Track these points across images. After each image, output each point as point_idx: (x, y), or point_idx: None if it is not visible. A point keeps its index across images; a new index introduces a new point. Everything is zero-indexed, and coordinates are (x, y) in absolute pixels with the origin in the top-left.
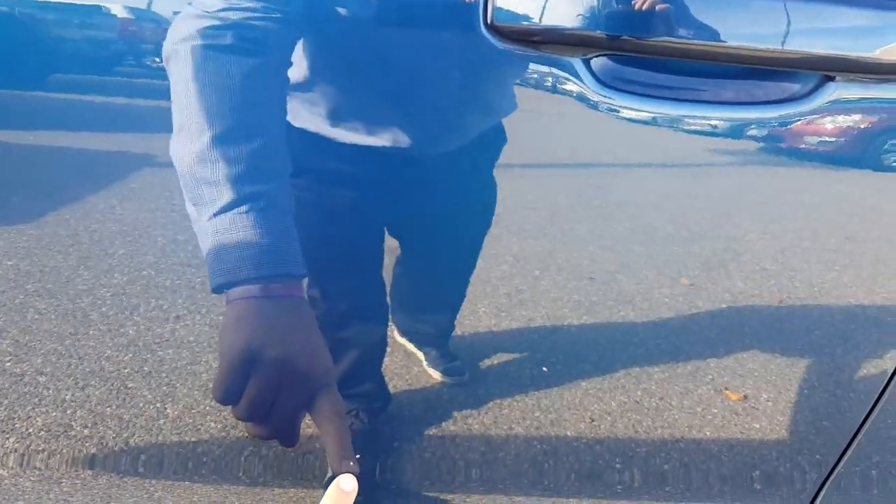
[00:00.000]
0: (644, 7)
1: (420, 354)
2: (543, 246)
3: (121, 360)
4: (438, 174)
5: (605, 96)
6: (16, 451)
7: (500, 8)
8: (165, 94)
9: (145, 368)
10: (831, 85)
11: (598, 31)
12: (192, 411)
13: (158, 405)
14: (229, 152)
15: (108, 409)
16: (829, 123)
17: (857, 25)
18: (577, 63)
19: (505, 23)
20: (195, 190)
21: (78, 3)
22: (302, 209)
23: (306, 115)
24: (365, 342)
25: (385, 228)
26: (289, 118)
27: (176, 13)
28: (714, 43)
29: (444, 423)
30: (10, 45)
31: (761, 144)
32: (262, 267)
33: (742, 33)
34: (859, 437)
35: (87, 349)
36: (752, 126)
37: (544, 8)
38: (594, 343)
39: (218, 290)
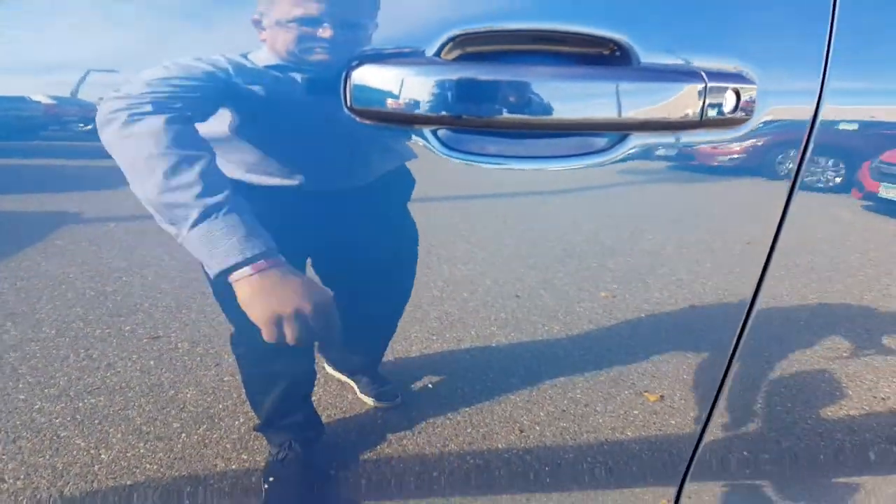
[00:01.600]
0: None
1: (352, 383)
2: (472, 270)
3: (52, 411)
4: (350, 208)
5: (449, 157)
6: None
7: (359, 87)
8: (88, 156)
9: (77, 417)
10: (631, 138)
11: (442, 112)
12: (128, 455)
13: (93, 451)
14: (182, 179)
15: (41, 459)
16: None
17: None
18: (427, 133)
19: (363, 106)
20: (168, 214)
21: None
22: None
23: (226, 165)
24: (292, 375)
25: (308, 264)
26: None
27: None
28: (528, 116)
29: (379, 447)
30: None
31: (660, 165)
32: (247, 251)
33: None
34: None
35: (18, 402)
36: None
37: (400, 88)
38: (522, 358)
39: (219, 275)
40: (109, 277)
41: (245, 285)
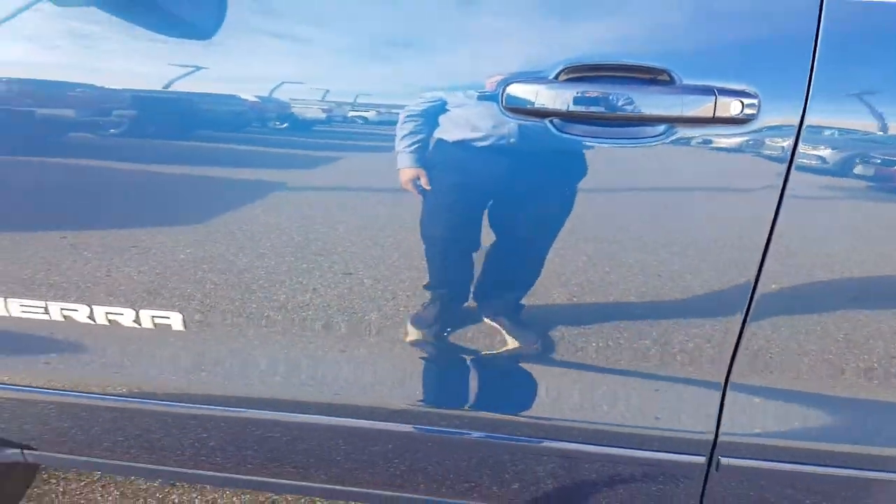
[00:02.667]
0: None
1: (499, 327)
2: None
3: (275, 319)
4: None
5: (560, 136)
6: None
7: (510, 96)
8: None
9: (293, 323)
10: (676, 129)
11: (557, 108)
12: (326, 347)
13: (298, 348)
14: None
15: (264, 350)
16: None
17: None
18: (547, 122)
19: (512, 106)
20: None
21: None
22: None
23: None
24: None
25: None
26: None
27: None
28: (609, 112)
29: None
30: None
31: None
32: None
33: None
34: None
35: (251, 309)
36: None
37: (535, 96)
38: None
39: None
40: (300, 231)
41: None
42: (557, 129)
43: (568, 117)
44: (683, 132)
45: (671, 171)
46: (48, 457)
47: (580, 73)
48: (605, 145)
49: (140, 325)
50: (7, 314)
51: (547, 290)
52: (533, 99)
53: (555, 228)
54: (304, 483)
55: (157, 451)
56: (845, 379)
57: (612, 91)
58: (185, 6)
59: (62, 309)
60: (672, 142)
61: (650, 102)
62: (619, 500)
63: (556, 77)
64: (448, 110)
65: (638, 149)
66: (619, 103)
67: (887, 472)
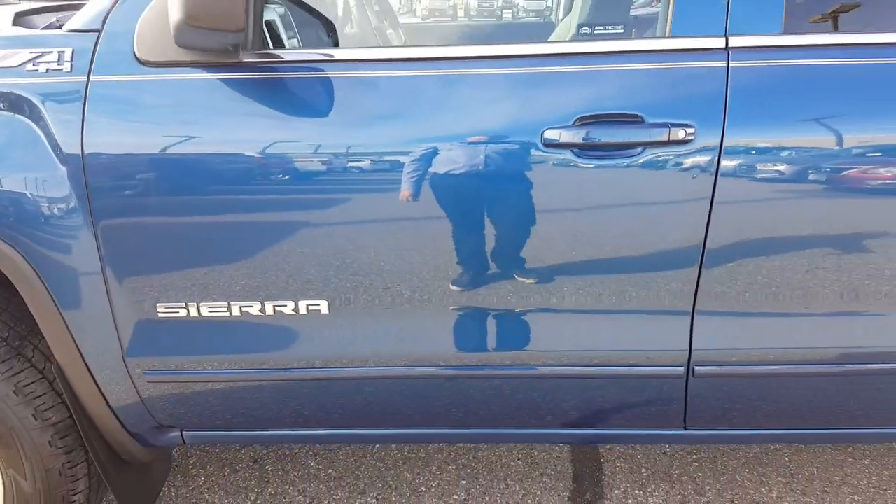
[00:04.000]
0: None
1: None
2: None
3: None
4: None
5: (579, 163)
6: None
7: (545, 138)
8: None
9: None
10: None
11: (574, 141)
12: (385, 329)
13: (353, 330)
14: None
15: (340, 322)
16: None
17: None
18: (568, 152)
19: (548, 143)
20: None
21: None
22: None
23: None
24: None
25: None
26: None
27: None
28: (603, 141)
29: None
30: None
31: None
32: None
33: None
34: None
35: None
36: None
37: (560, 136)
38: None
39: None
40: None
41: None
42: (577, 156)
43: (582, 147)
44: (652, 151)
45: (647, 177)
46: (204, 435)
47: (587, 120)
48: (603, 162)
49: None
50: (198, 315)
51: (560, 257)
52: (558, 139)
53: (555, 221)
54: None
55: (303, 417)
56: (778, 302)
57: (608, 129)
58: None
59: (241, 307)
60: (646, 159)
61: (630, 134)
62: (626, 413)
63: (573, 122)
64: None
65: (624, 164)
66: (608, 136)
67: (810, 365)
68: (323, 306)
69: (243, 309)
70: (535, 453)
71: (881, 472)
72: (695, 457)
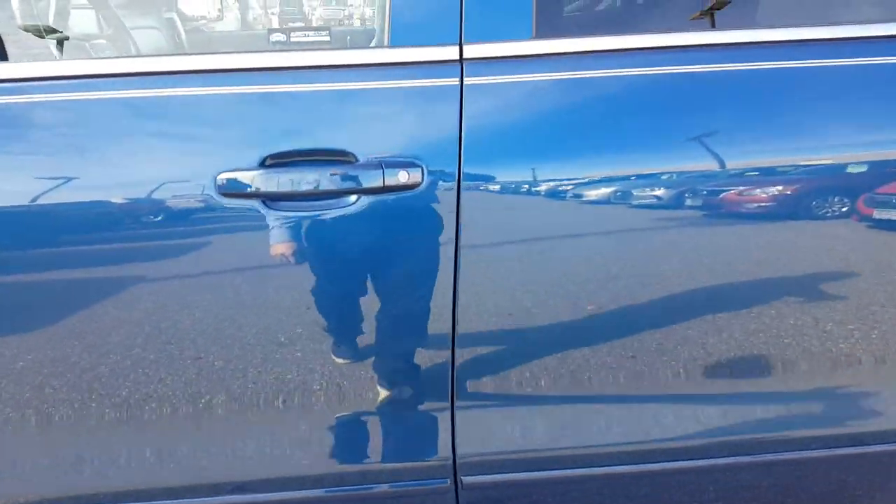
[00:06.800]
0: None
1: None
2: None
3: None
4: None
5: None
6: None
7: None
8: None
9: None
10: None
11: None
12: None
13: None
14: None
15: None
16: None
17: None
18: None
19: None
20: None
21: None
22: None
23: None
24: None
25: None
26: None
27: None
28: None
29: None
30: None
31: None
32: None
33: None
34: None
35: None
36: None
37: None
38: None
39: None
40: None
41: None
42: (267, 207)
43: (273, 198)
44: (369, 200)
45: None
46: None
47: (286, 157)
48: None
49: None
50: None
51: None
52: (248, 183)
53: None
54: None
55: None
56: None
57: (307, 172)
58: None
59: None
60: (361, 208)
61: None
62: None
63: (264, 162)
64: None
65: (331, 218)
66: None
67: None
68: None
69: None
70: None
71: None
72: None
